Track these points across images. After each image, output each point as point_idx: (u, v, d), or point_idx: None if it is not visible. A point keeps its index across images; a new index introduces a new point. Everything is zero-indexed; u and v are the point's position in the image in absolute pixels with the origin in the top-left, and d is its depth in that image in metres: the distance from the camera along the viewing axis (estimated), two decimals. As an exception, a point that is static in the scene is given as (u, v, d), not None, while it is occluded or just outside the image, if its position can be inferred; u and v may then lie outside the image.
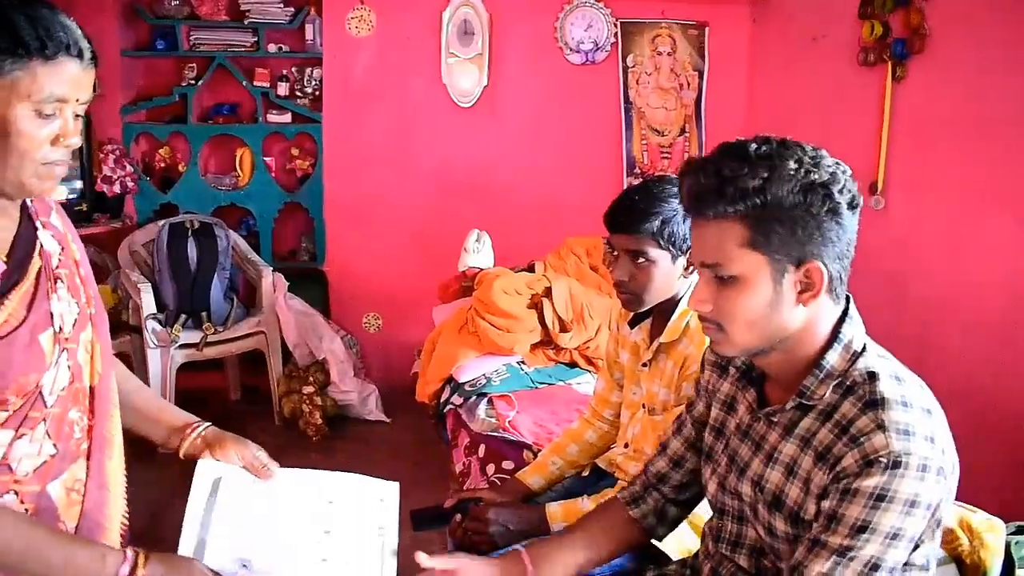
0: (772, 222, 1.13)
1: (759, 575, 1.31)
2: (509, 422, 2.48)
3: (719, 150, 1.18)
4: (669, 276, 1.76)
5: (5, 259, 1.18)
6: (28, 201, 1.25)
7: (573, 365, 2.93)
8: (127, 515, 1.38)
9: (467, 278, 3.22)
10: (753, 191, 1.12)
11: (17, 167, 1.14)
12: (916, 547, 1.15)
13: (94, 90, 1.22)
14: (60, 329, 1.22)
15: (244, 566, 1.30)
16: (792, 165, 1.12)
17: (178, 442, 1.42)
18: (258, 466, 1.41)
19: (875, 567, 1.09)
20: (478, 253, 3.25)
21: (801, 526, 1.18)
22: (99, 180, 3.96)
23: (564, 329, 2.84)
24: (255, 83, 4.19)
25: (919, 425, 1.11)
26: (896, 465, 1.08)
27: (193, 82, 4.16)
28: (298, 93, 4.27)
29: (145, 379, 3.72)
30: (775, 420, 1.25)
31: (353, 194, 4.27)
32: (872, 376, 1.16)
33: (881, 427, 1.10)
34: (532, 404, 2.62)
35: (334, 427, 3.93)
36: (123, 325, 3.80)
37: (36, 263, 1.22)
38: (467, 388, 2.75)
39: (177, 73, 4.22)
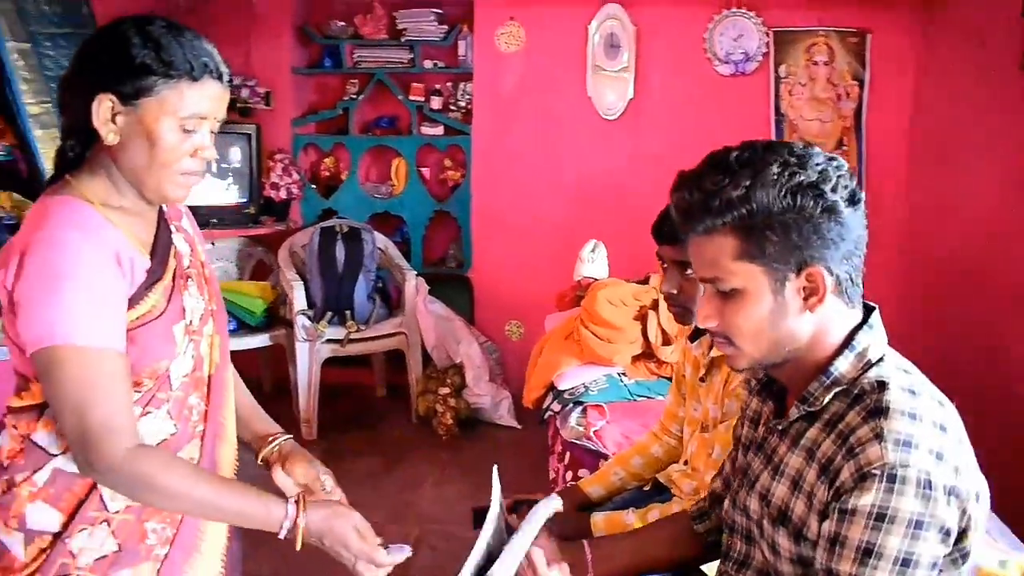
0: (763, 230, 1.08)
1: None
2: (594, 431, 2.49)
3: (702, 163, 1.15)
4: None
5: (150, 256, 1.33)
6: (163, 206, 1.40)
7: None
8: None
9: (580, 288, 3.25)
10: (738, 201, 1.08)
11: (159, 175, 1.27)
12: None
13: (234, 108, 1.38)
14: (190, 322, 1.37)
15: None
16: (775, 169, 1.07)
17: (258, 447, 1.53)
18: (318, 488, 1.48)
19: None
20: (592, 263, 3.27)
21: (804, 545, 1.12)
22: (267, 186, 4.33)
23: (667, 342, 2.80)
24: (411, 97, 4.43)
25: (924, 439, 1.03)
26: (892, 479, 1.01)
27: (355, 97, 4.46)
28: (451, 107, 4.46)
29: (295, 370, 4.03)
30: (784, 431, 1.20)
31: (499, 203, 4.40)
32: (882, 385, 1.09)
33: (879, 436, 1.03)
34: (624, 416, 2.61)
35: (465, 428, 4.06)
36: (279, 319, 4.13)
37: (172, 263, 1.37)
38: (566, 396, 2.78)
39: (341, 89, 4.54)
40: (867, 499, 1.02)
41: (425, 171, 4.57)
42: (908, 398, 1.07)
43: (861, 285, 1.15)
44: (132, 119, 1.24)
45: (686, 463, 1.91)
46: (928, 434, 1.04)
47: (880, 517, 1.01)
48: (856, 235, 1.11)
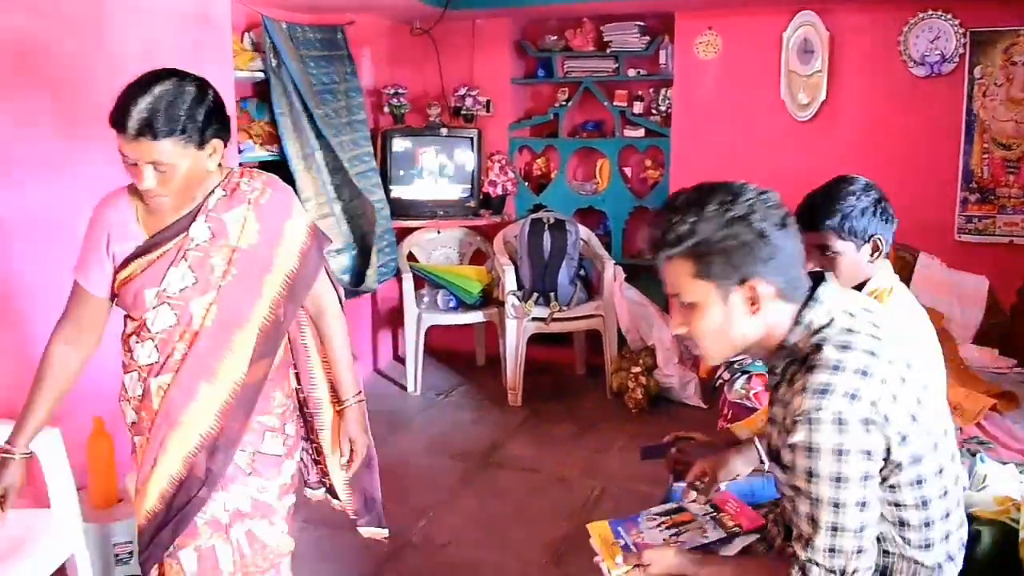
0: (710, 255, 1.40)
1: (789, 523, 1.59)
2: (754, 394, 2.82)
3: (661, 206, 1.50)
4: (856, 264, 2.04)
5: (148, 236, 1.81)
6: (210, 203, 1.83)
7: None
8: (215, 428, 1.83)
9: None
10: (686, 234, 1.41)
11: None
12: (893, 487, 1.42)
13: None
14: (164, 289, 1.80)
15: None
16: (712, 207, 1.40)
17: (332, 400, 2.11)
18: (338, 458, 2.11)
19: (836, 505, 1.38)
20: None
21: (788, 472, 1.46)
22: (486, 183, 4.92)
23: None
24: (615, 103, 4.87)
25: (841, 384, 1.36)
26: (810, 421, 1.36)
27: (564, 103, 4.97)
28: (652, 111, 4.85)
29: (504, 344, 4.58)
30: (775, 392, 1.54)
31: (694, 200, 4.72)
32: (817, 347, 1.42)
33: (804, 389, 1.39)
34: (786, 384, 2.91)
35: (653, 404, 4.44)
36: (492, 300, 4.71)
37: (170, 244, 1.80)
38: (735, 366, 3.11)
39: (552, 96, 5.07)
40: (797, 437, 1.38)
41: (627, 170, 5.00)
42: (836, 353, 1.40)
43: (801, 287, 1.46)
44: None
45: None
46: (846, 380, 1.37)
47: (809, 449, 1.37)
48: (789, 251, 1.43)
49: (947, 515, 1.48)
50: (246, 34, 4.02)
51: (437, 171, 4.97)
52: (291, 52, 4.03)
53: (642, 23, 4.75)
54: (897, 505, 1.45)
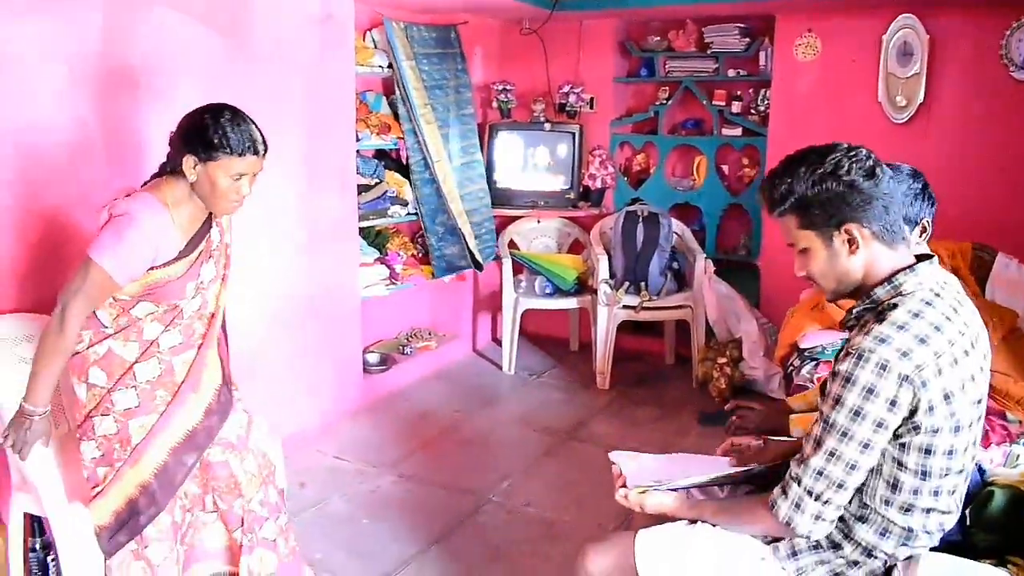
0: (808, 207, 1.66)
1: None
2: (817, 378, 2.97)
3: (766, 176, 1.77)
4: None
5: (185, 240, 2.21)
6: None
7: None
8: (220, 383, 2.38)
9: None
10: (785, 195, 1.68)
11: (215, 202, 2.20)
12: (903, 446, 1.59)
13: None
14: (201, 282, 2.27)
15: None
16: (803, 169, 1.65)
17: None
18: None
19: (844, 434, 1.58)
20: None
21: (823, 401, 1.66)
22: (586, 176, 5.16)
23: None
24: (714, 102, 5.02)
25: (899, 341, 1.56)
26: (860, 357, 1.56)
27: (665, 102, 5.16)
28: (750, 111, 4.98)
29: (595, 330, 4.81)
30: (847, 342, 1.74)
31: (787, 199, 4.83)
32: (893, 306, 1.62)
33: (868, 333, 1.59)
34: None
35: (736, 395, 4.55)
36: (587, 288, 4.95)
37: (202, 246, 2.26)
38: (806, 354, 3.25)
39: (653, 95, 5.26)
40: (843, 366, 1.58)
41: (723, 168, 5.14)
42: (906, 316, 1.59)
43: (902, 231, 1.67)
44: (203, 171, 2.14)
45: None
46: (904, 340, 1.56)
47: (847, 379, 1.57)
48: (880, 198, 1.63)
49: (936, 493, 1.64)
50: (368, 33, 4.39)
51: (540, 164, 5.24)
52: (405, 50, 4.38)
53: (743, 25, 4.88)
54: (899, 464, 1.62)
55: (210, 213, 2.28)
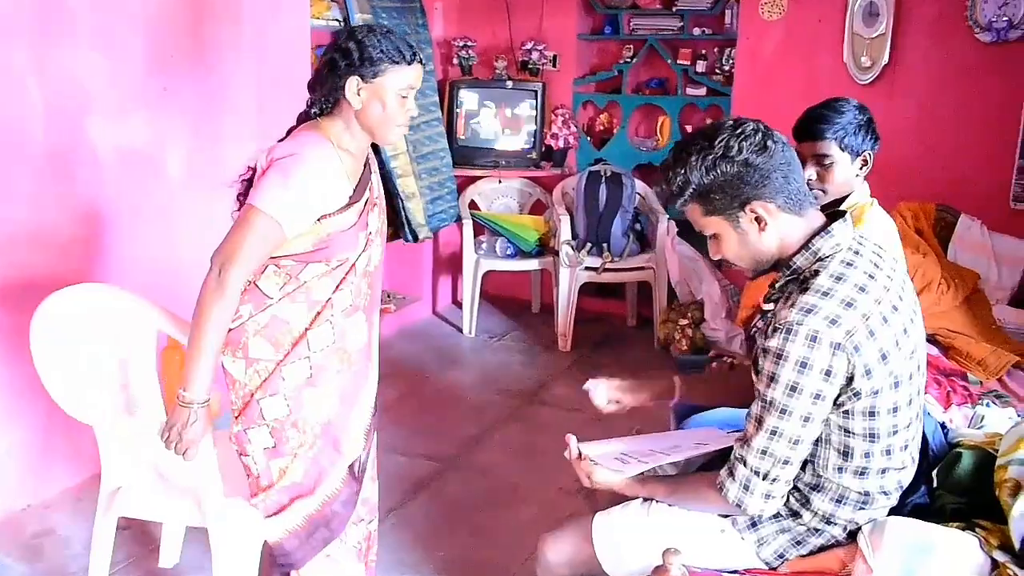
0: (707, 195, 1.61)
1: None
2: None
3: (660, 169, 1.72)
4: (847, 176, 2.22)
5: (353, 187, 1.93)
6: (370, 152, 2.04)
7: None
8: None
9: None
10: (683, 187, 1.62)
11: (386, 127, 1.92)
12: (847, 413, 1.56)
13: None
14: (371, 232, 2.00)
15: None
16: (694, 158, 1.59)
17: None
18: None
19: (783, 411, 1.54)
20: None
21: (757, 378, 1.61)
22: (548, 136, 5.07)
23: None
24: (678, 61, 4.95)
25: (825, 309, 1.51)
26: (788, 331, 1.51)
27: (629, 60, 5.07)
28: (715, 71, 4.91)
29: (557, 291, 4.76)
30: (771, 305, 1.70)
31: (752, 160, 4.79)
32: (816, 273, 1.58)
33: (792, 304, 1.54)
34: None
35: (698, 356, 4.57)
36: (548, 249, 4.89)
37: (367, 193, 1.98)
38: (768, 316, 3.22)
39: (617, 53, 5.16)
40: (772, 343, 1.53)
41: (688, 128, 5.06)
42: (829, 282, 1.55)
43: (805, 199, 1.62)
44: (370, 92, 1.87)
45: None
46: (830, 307, 1.52)
47: (778, 355, 1.52)
48: (778, 168, 1.58)
49: (888, 452, 1.61)
50: (323, -16, 4.23)
51: (501, 123, 5.14)
52: (361, 2, 4.23)
53: (709, -18, 4.80)
54: (846, 432, 1.59)
55: (367, 157, 2.04)
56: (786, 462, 1.57)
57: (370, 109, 1.89)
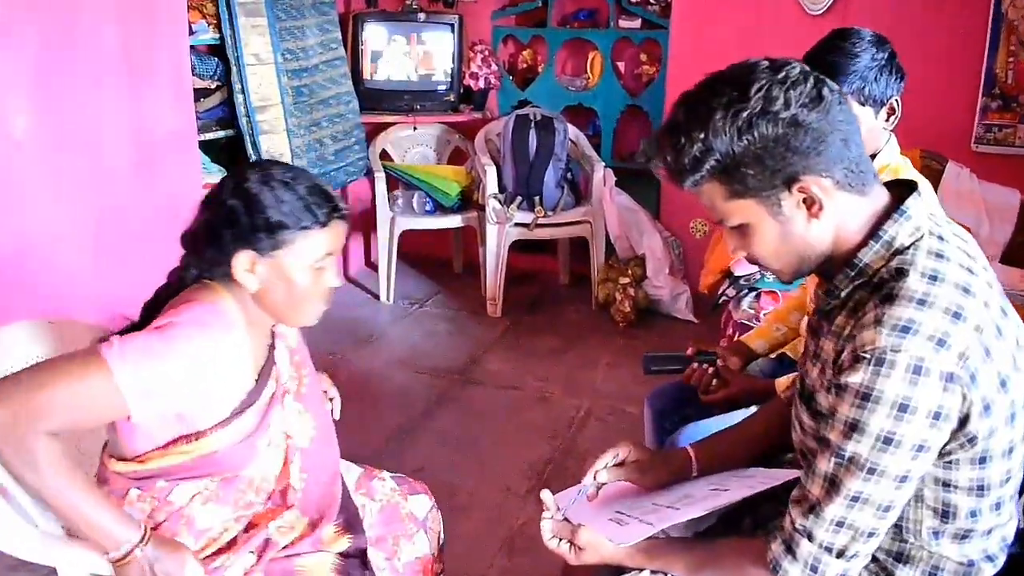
0: (737, 169, 1.12)
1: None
2: (764, 313, 2.55)
3: (659, 131, 1.20)
4: (873, 133, 1.79)
5: (256, 378, 1.45)
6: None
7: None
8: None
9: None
10: (701, 156, 1.12)
11: (296, 310, 1.44)
12: (950, 463, 1.14)
13: None
14: (275, 435, 1.50)
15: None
16: (719, 114, 1.10)
17: None
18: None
19: (872, 471, 1.09)
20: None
21: (820, 421, 1.18)
22: (467, 76, 4.51)
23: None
24: (610, -10, 4.44)
25: (927, 325, 1.07)
26: (880, 362, 1.07)
27: (555, -11, 4.53)
28: (651, 0, 4.43)
29: (484, 251, 4.27)
30: (824, 318, 1.25)
31: (692, 100, 4.37)
32: (900, 272, 1.12)
33: (878, 322, 1.09)
34: (797, 302, 2.64)
35: (641, 318, 4.18)
36: (472, 203, 4.37)
37: (272, 385, 1.49)
38: (742, 282, 2.83)
39: (542, -20, 4.62)
40: (855, 378, 1.08)
41: (620, 65, 4.59)
42: (923, 284, 1.10)
43: (869, 170, 1.16)
44: (269, 268, 1.38)
45: None
46: (934, 320, 1.07)
47: (865, 396, 1.08)
48: (836, 129, 1.11)
49: (998, 506, 1.21)
50: None
51: (413, 61, 4.55)
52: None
53: (643, -101, 4.28)
54: (947, 486, 1.17)
55: (272, 334, 1.54)
56: (872, 535, 1.14)
57: (272, 290, 1.41)
